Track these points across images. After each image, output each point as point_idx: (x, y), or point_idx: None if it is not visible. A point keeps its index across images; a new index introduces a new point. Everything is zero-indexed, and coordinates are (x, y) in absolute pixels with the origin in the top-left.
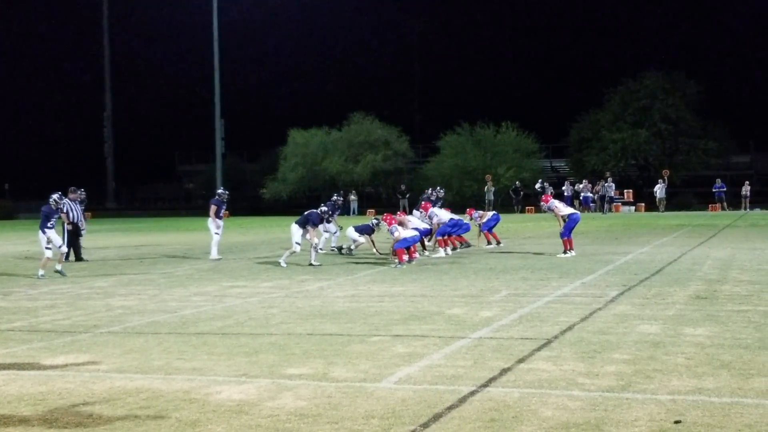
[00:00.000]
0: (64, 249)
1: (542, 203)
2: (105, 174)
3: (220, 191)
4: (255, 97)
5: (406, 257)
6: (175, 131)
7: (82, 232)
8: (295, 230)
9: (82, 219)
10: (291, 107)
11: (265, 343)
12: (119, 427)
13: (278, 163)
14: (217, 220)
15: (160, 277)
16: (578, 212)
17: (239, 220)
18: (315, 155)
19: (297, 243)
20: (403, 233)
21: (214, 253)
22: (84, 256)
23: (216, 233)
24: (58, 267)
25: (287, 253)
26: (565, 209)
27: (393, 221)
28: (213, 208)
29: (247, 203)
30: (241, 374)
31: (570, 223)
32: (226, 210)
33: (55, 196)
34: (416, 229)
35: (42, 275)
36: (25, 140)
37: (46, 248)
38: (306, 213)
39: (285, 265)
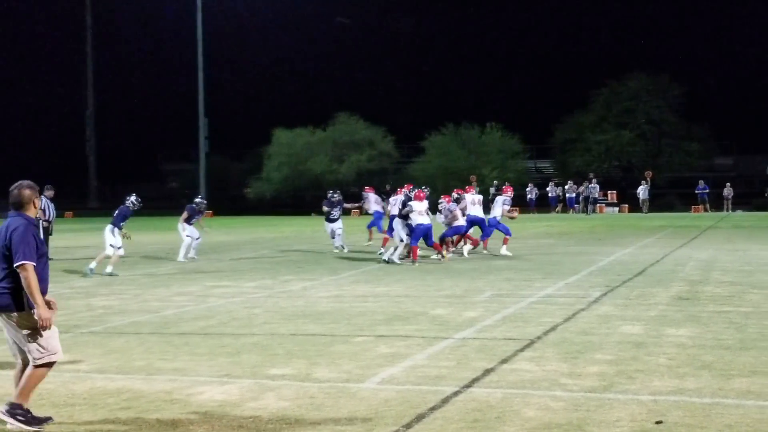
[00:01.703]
0: (121, 252)
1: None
2: (87, 173)
3: (198, 200)
4: (239, 96)
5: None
6: (158, 130)
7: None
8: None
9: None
10: (276, 106)
11: (248, 343)
12: (100, 428)
13: (262, 163)
14: (186, 225)
15: (142, 276)
16: (461, 225)
17: (223, 219)
18: (299, 155)
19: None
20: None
21: (181, 256)
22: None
23: (189, 236)
24: (110, 269)
25: (393, 250)
26: (461, 217)
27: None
28: (185, 215)
29: (231, 203)
30: (223, 375)
31: (419, 231)
32: (207, 212)
33: (132, 198)
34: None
35: (92, 269)
36: (6, 138)
37: (110, 246)
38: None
39: (399, 262)
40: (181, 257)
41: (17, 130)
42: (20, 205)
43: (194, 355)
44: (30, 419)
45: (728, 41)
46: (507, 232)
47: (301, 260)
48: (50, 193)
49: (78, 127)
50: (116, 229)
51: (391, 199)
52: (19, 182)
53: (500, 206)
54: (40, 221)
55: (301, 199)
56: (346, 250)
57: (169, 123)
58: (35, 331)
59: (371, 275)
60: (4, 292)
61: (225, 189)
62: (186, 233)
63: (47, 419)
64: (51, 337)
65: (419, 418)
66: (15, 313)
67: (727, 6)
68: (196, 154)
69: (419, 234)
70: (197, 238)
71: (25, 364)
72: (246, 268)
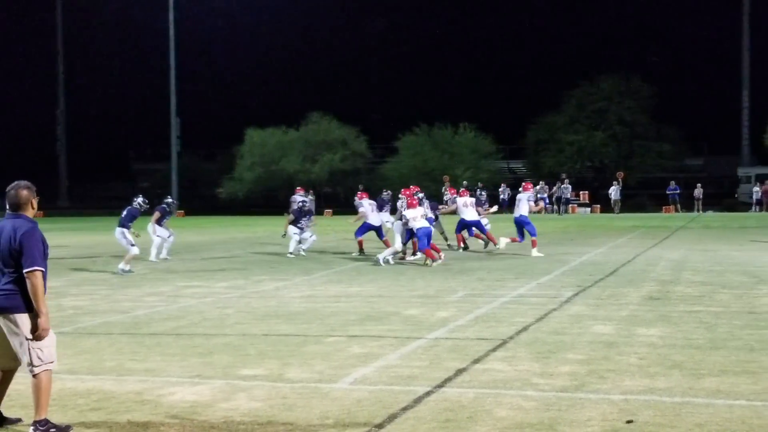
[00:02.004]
0: (136, 251)
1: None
2: (58, 172)
3: (168, 200)
4: (212, 95)
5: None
6: (129, 129)
7: None
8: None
9: None
10: (248, 106)
11: (220, 343)
12: None
13: (235, 163)
14: (157, 226)
15: (113, 276)
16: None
17: (195, 219)
18: (272, 155)
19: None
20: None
21: (153, 256)
22: None
23: (159, 236)
24: (127, 267)
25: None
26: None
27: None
28: (156, 215)
29: (203, 203)
30: (195, 375)
31: (422, 236)
32: (179, 212)
33: (139, 199)
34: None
35: (125, 270)
36: None
37: (132, 245)
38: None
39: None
40: (152, 257)
41: None
42: (18, 206)
43: (165, 355)
44: (60, 429)
45: (698, 43)
46: (533, 233)
47: (274, 260)
48: None
49: (48, 126)
50: (126, 230)
51: (398, 204)
52: (16, 182)
53: (526, 203)
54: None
55: (273, 199)
56: (303, 253)
57: (141, 122)
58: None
59: (344, 275)
60: (12, 293)
61: (197, 188)
62: (156, 234)
63: (68, 427)
64: (51, 346)
65: (391, 418)
66: (22, 315)
67: (697, 8)
68: (167, 154)
69: (424, 237)
70: (168, 237)
71: (6, 371)
72: (218, 268)
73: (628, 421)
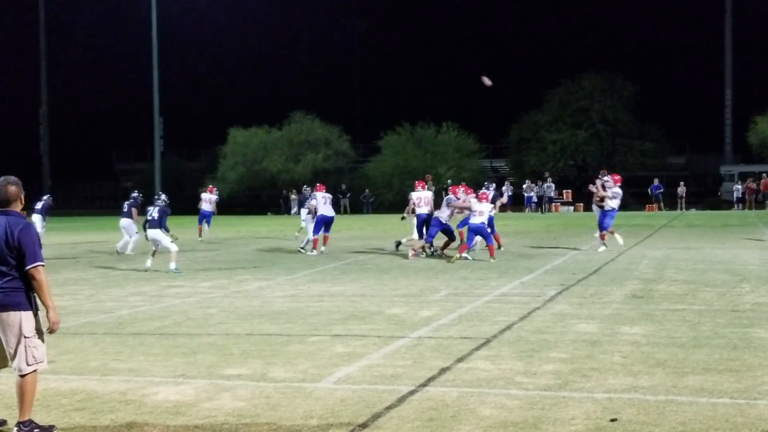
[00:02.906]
0: (176, 247)
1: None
2: (41, 171)
3: (134, 195)
4: (194, 95)
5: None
6: (113, 129)
7: None
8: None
9: None
10: (231, 106)
11: (204, 343)
12: None
13: (218, 162)
14: (131, 221)
15: (96, 276)
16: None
17: (178, 219)
18: (255, 154)
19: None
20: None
21: (129, 249)
22: None
23: (137, 233)
24: (174, 265)
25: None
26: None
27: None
28: (136, 211)
29: (186, 202)
30: (178, 375)
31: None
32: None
33: (163, 196)
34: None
35: (176, 269)
36: None
37: (171, 242)
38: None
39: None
40: (129, 250)
41: None
42: (8, 202)
43: (149, 355)
44: (44, 429)
45: (680, 41)
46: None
47: (257, 260)
48: None
49: (32, 126)
50: (163, 230)
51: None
52: (4, 178)
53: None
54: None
55: (256, 199)
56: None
57: (124, 122)
58: (39, 333)
59: (327, 275)
60: (11, 291)
61: (180, 188)
62: (130, 230)
63: (51, 427)
64: (42, 346)
65: (375, 417)
66: (23, 313)
67: (680, 6)
68: (150, 154)
69: (474, 234)
70: (137, 232)
71: None
72: (201, 267)
73: (612, 420)
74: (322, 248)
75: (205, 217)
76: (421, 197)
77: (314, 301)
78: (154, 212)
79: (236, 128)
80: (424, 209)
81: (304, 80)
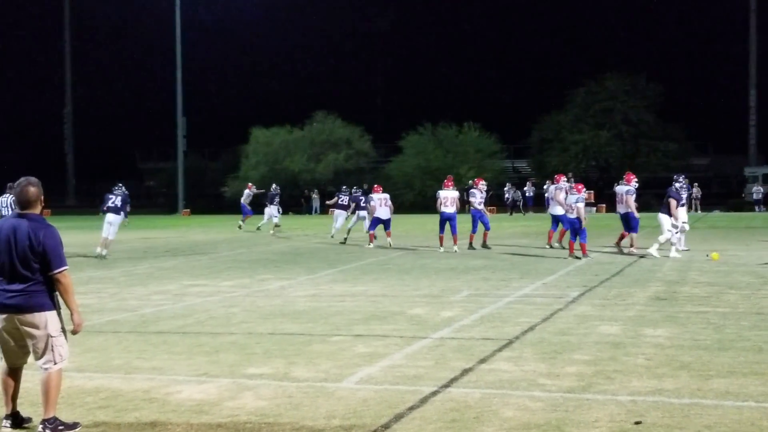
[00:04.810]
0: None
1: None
2: (65, 171)
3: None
4: (217, 95)
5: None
6: (136, 128)
7: None
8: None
9: None
10: (253, 106)
11: (226, 342)
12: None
13: (240, 162)
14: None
15: (120, 275)
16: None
17: (200, 218)
18: (277, 154)
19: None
20: None
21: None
22: None
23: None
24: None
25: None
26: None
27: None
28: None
29: (208, 201)
30: (201, 374)
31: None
32: (185, 211)
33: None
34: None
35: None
36: None
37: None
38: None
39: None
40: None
41: None
42: (28, 204)
43: (172, 354)
44: (69, 426)
45: (705, 41)
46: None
47: (279, 259)
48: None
49: (56, 126)
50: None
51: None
52: (24, 179)
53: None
54: None
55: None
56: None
57: (147, 121)
58: (61, 333)
59: (348, 274)
60: (35, 292)
61: (202, 187)
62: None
63: (76, 424)
64: (66, 344)
65: (397, 417)
66: (47, 313)
67: (703, 7)
68: (173, 153)
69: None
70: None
71: (15, 369)
72: (223, 266)
73: (636, 423)
74: (389, 241)
75: (246, 213)
76: (448, 196)
77: (336, 300)
78: (116, 200)
79: (258, 128)
80: (449, 208)
81: (326, 80)
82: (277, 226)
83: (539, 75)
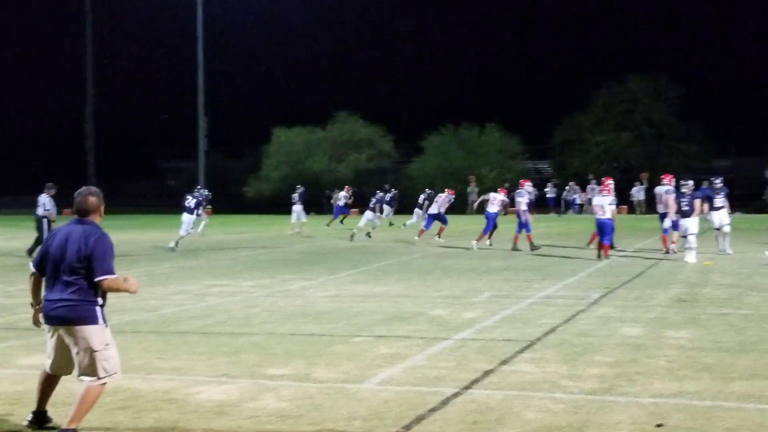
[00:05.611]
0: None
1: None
2: (86, 170)
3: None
4: (239, 95)
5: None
6: (157, 128)
7: None
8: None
9: None
10: (275, 105)
11: (247, 342)
12: (97, 428)
13: (262, 162)
14: None
15: (140, 274)
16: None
17: (221, 218)
18: (299, 154)
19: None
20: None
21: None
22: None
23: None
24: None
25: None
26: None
27: None
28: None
29: (229, 201)
30: (221, 374)
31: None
32: (207, 209)
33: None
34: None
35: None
36: (5, 137)
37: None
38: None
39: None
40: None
41: (16, 128)
42: (86, 213)
43: (193, 354)
44: None
45: (726, 43)
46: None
47: (300, 259)
48: (52, 191)
49: (77, 125)
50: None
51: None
52: (86, 188)
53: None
54: (46, 218)
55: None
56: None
57: (169, 121)
58: (107, 346)
59: (370, 275)
60: (77, 304)
61: (224, 187)
62: None
63: None
64: (115, 357)
65: (419, 419)
66: (88, 327)
67: (726, 7)
68: (195, 153)
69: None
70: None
71: (57, 375)
72: (244, 267)
73: (658, 425)
74: (438, 238)
75: (342, 212)
76: (497, 198)
77: (357, 301)
78: (191, 201)
79: (280, 128)
80: (494, 207)
81: (347, 80)
82: (303, 224)
83: (561, 76)
